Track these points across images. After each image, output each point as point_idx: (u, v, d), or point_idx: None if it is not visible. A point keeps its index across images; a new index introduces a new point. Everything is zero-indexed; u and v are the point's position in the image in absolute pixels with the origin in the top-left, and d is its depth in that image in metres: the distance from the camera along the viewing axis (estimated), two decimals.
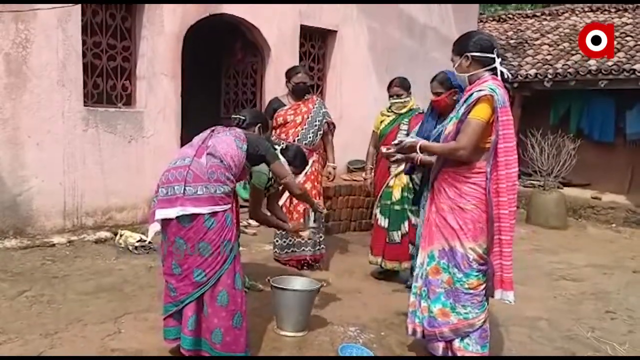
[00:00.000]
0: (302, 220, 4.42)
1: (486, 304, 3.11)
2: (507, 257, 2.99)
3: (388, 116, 4.93)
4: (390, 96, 4.90)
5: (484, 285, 3.04)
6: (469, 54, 3.03)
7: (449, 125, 3.12)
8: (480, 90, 2.93)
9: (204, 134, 3.21)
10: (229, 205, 3.02)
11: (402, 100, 4.83)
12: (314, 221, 3.91)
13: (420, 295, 3.23)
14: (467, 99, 3.00)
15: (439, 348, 3.16)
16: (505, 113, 2.91)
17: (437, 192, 3.16)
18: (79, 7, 5.23)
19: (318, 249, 5.12)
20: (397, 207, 4.81)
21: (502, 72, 3.05)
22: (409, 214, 4.79)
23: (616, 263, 6.45)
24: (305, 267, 5.11)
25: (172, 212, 2.89)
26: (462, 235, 3.02)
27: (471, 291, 3.04)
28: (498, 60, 3.05)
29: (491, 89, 2.91)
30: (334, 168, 5.30)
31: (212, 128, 3.26)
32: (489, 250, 2.99)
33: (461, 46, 3.10)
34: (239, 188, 3.63)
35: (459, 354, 3.09)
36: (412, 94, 4.94)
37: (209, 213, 2.89)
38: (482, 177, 2.97)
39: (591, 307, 4.74)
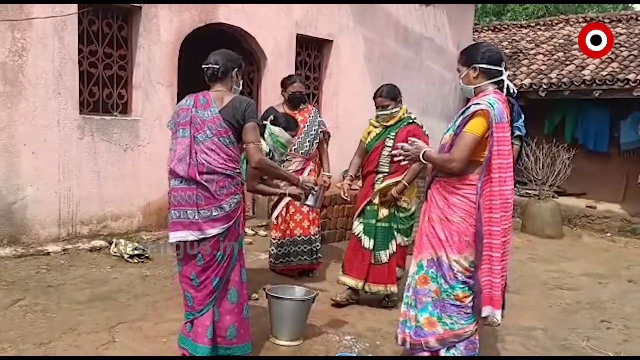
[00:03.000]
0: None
1: (474, 316, 3.04)
2: (497, 275, 2.92)
3: (376, 127, 4.51)
4: (377, 107, 4.47)
5: (471, 298, 3.00)
6: (477, 66, 3.00)
7: (446, 136, 3.10)
8: (477, 104, 2.91)
9: (184, 135, 2.99)
10: (240, 210, 3.08)
11: (388, 112, 4.36)
12: (306, 197, 3.59)
13: (410, 305, 3.19)
14: (464, 112, 2.99)
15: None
16: (502, 129, 2.87)
17: (429, 202, 3.15)
18: (75, 16, 5.24)
19: (315, 259, 5.12)
20: (384, 225, 4.40)
21: (508, 86, 3.02)
22: (396, 233, 4.41)
23: (612, 272, 6.46)
24: (301, 276, 5.10)
25: (188, 236, 2.94)
26: (447, 246, 2.99)
27: (457, 303, 3.00)
28: (506, 74, 3.04)
29: (490, 104, 2.87)
30: (330, 177, 5.29)
31: (189, 120, 2.99)
32: (478, 266, 2.93)
33: (470, 57, 3.06)
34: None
35: None
36: (404, 103, 4.50)
37: (226, 229, 2.97)
38: (472, 189, 2.94)
39: (587, 316, 4.75)
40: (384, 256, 4.39)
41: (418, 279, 3.13)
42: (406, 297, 3.23)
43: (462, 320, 3.01)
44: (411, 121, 4.41)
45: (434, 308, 3.06)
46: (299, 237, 5.04)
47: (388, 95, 4.35)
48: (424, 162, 3.11)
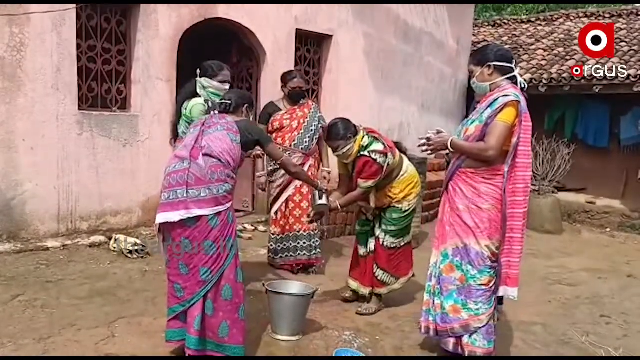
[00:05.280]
0: (310, 199, 4.49)
1: (493, 300, 3.24)
2: (516, 255, 3.17)
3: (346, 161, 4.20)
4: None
5: (494, 281, 3.20)
6: (491, 64, 3.20)
7: (471, 127, 3.23)
8: (506, 96, 3.09)
9: (195, 131, 3.19)
10: (231, 203, 3.12)
11: (341, 153, 4.03)
12: (320, 198, 3.89)
13: (433, 294, 3.37)
14: (492, 103, 3.13)
15: (450, 344, 3.31)
16: (527, 119, 3.09)
17: (452, 192, 3.29)
18: (73, 11, 5.21)
19: (314, 254, 5.11)
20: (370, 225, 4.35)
21: (519, 82, 3.23)
22: (378, 232, 4.21)
23: (611, 267, 6.47)
24: (300, 271, 5.11)
25: (174, 216, 2.97)
26: (478, 232, 3.16)
27: (483, 287, 3.19)
28: (517, 71, 3.24)
29: (516, 95, 3.08)
30: (329, 172, 5.29)
31: (202, 121, 3.25)
32: (500, 248, 3.15)
33: (483, 56, 3.27)
34: None
35: (467, 349, 3.22)
36: (360, 130, 4.07)
37: (213, 214, 2.99)
38: (500, 178, 3.12)
39: (586, 311, 4.75)
40: (362, 252, 4.36)
41: (443, 267, 3.30)
42: (428, 286, 3.41)
43: (485, 305, 3.19)
44: (359, 155, 4.02)
45: (459, 295, 3.24)
46: (298, 232, 5.04)
47: (335, 138, 4.01)
48: (452, 150, 3.24)
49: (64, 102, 5.27)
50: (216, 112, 3.36)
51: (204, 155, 3.04)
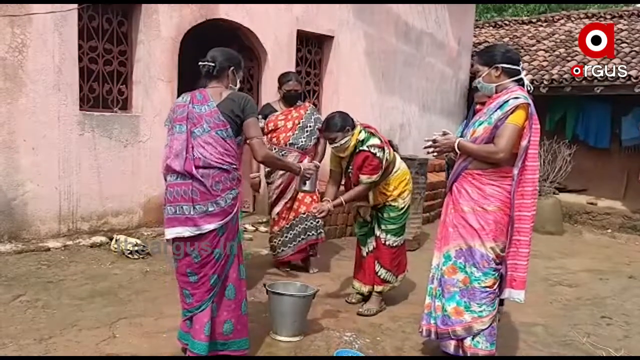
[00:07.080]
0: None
1: (496, 302, 3.22)
2: (522, 257, 3.17)
3: (342, 157, 4.20)
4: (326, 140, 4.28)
5: (497, 283, 3.18)
6: (499, 65, 3.16)
7: (479, 129, 3.18)
8: (516, 98, 3.06)
9: (180, 130, 2.95)
10: (237, 207, 3.05)
11: (338, 145, 4.02)
12: (304, 184, 3.65)
13: (435, 296, 3.34)
14: (502, 105, 3.09)
15: (451, 346, 3.28)
16: (535, 122, 3.08)
17: (457, 193, 3.26)
18: (75, 11, 5.22)
19: (320, 232, 5.15)
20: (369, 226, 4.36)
21: (526, 85, 3.22)
22: (378, 232, 4.25)
23: (612, 268, 6.46)
24: (300, 270, 5.10)
25: (184, 231, 2.92)
26: (483, 234, 3.13)
27: (487, 290, 3.16)
28: (524, 73, 3.22)
29: (525, 97, 3.06)
30: (317, 166, 5.14)
31: (186, 115, 2.95)
32: (506, 250, 3.14)
33: (490, 57, 3.22)
34: None
35: (469, 352, 3.20)
36: (357, 125, 4.10)
37: (221, 225, 2.96)
38: (508, 181, 3.10)
39: (587, 312, 4.75)
40: (364, 252, 4.38)
41: (446, 269, 3.27)
42: (430, 289, 3.38)
43: (489, 307, 3.17)
44: (357, 150, 4.05)
45: (461, 297, 3.21)
46: (304, 213, 5.04)
47: (332, 129, 4.00)
48: (458, 152, 3.20)
49: (65, 102, 5.27)
50: (197, 93, 3.02)
51: (201, 168, 2.89)
